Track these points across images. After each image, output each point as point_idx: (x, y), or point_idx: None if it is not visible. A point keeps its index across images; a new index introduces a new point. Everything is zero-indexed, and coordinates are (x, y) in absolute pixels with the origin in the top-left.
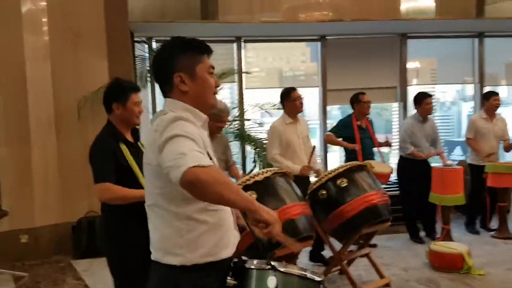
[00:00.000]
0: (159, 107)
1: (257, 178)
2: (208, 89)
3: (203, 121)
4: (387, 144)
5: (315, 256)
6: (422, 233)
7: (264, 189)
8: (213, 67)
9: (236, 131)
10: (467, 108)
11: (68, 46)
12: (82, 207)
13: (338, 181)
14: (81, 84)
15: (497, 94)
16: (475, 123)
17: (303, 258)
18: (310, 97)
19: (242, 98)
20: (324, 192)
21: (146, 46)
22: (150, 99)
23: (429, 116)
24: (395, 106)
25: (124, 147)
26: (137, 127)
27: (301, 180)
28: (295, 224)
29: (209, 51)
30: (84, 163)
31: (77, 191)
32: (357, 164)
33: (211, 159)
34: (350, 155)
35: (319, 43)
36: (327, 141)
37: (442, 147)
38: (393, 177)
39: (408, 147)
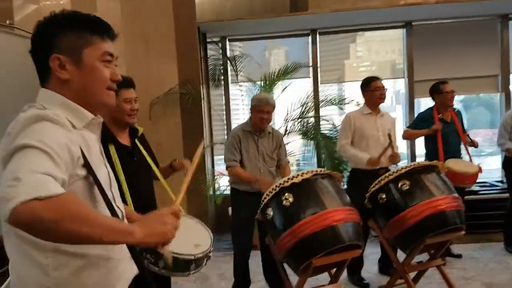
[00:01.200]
0: (233, 109)
1: (295, 180)
2: (99, 81)
3: (87, 122)
4: (473, 144)
5: (386, 267)
6: None
7: (302, 192)
8: (111, 55)
9: (303, 128)
10: None
11: (140, 50)
12: None
13: (400, 184)
14: (152, 87)
15: None
16: None
17: (371, 266)
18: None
19: (317, 93)
20: (383, 195)
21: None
22: (224, 101)
23: None
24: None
25: (112, 149)
26: (136, 126)
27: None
28: (337, 231)
29: (106, 33)
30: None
31: None
32: (423, 164)
33: (92, 173)
34: (431, 153)
35: (403, 30)
36: (405, 138)
37: None
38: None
39: (504, 143)
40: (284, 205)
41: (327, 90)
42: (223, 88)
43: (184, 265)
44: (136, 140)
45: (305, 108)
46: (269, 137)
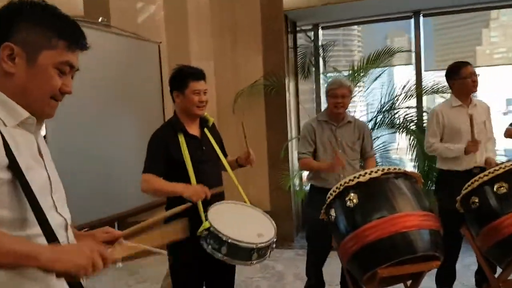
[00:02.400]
0: (323, 100)
1: (361, 179)
2: (45, 87)
3: (20, 121)
4: None
5: (483, 281)
6: None
7: (369, 192)
8: (72, 67)
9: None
10: None
11: (228, 42)
12: None
13: (496, 186)
14: (238, 79)
15: None
16: None
17: (469, 278)
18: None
19: (420, 81)
20: (476, 199)
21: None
22: (315, 91)
23: None
24: None
25: (182, 139)
26: (207, 117)
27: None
28: (407, 239)
29: (75, 43)
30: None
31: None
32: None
33: (19, 177)
34: None
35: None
36: (508, 137)
37: None
38: None
39: None
40: (348, 206)
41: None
42: (313, 79)
43: (245, 253)
44: (206, 130)
45: (398, 98)
46: (349, 126)
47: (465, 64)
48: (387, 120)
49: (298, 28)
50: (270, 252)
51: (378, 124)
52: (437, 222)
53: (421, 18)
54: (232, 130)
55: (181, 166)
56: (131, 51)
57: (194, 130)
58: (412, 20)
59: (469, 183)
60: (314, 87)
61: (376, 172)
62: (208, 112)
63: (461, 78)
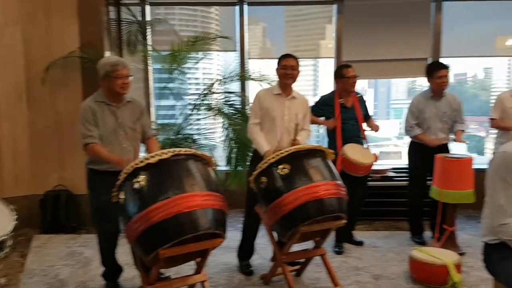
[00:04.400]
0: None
1: (150, 160)
2: None
3: None
4: (375, 127)
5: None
6: (429, 233)
7: (157, 173)
8: None
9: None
10: None
11: (39, 6)
12: (52, 179)
13: (280, 168)
14: (51, 49)
15: None
16: (503, 102)
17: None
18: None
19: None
20: (265, 179)
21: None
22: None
23: (447, 92)
24: None
25: None
26: None
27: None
28: (191, 218)
29: None
30: (56, 133)
31: (48, 162)
32: (307, 147)
33: None
34: (331, 138)
35: (334, 7)
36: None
37: (462, 126)
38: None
39: (412, 129)
40: (135, 188)
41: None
42: (141, 56)
43: None
44: None
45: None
46: (129, 106)
47: (286, 56)
48: (204, 104)
49: (122, 1)
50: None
51: (196, 107)
52: (221, 202)
53: (245, 7)
54: (46, 106)
55: None
56: None
57: None
58: (237, 8)
59: (260, 164)
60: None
61: (166, 153)
62: (15, 83)
63: (280, 69)
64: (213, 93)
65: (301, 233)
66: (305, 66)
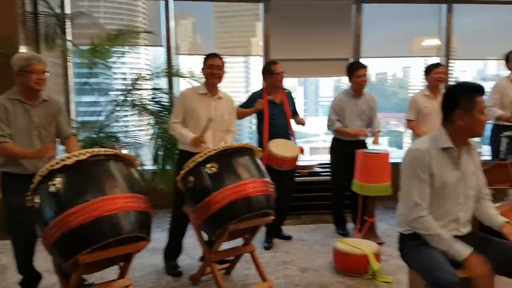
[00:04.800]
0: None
1: (67, 162)
2: None
3: None
4: (301, 122)
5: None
6: (352, 225)
7: (75, 175)
8: None
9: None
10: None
11: None
12: None
13: (208, 166)
14: None
15: (438, 65)
16: (417, 102)
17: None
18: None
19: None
20: (192, 178)
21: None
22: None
23: (366, 91)
24: None
25: None
26: None
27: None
28: (112, 222)
29: None
30: None
31: None
32: (235, 146)
33: None
34: (260, 134)
35: (261, 5)
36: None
37: (379, 126)
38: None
39: (333, 124)
40: (51, 191)
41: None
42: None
43: None
44: None
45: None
46: (45, 105)
47: (212, 56)
48: (129, 101)
49: None
50: None
51: (120, 103)
52: (144, 203)
53: (171, 1)
54: None
55: None
56: None
57: None
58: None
59: (187, 163)
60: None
61: (84, 154)
62: None
63: (204, 68)
64: (139, 89)
65: (230, 231)
66: (236, 63)
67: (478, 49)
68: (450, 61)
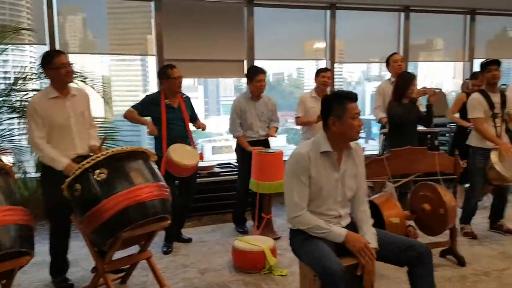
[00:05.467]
0: None
1: None
2: None
3: None
4: (202, 126)
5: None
6: (251, 222)
7: None
8: None
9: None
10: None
11: None
12: None
13: (96, 173)
14: None
15: (326, 70)
16: (304, 102)
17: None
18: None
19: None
20: (79, 186)
21: None
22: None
23: (264, 94)
24: None
25: None
26: None
27: None
28: None
29: None
30: None
31: None
32: (126, 150)
33: None
34: (158, 140)
35: (152, 4)
36: (126, 118)
37: (277, 123)
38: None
39: (235, 130)
40: None
41: None
42: None
43: None
44: None
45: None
46: None
47: (58, 53)
48: (6, 104)
49: None
50: None
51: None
52: (25, 216)
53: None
54: None
55: None
56: None
57: None
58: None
59: (74, 170)
60: None
61: None
62: None
63: (54, 68)
64: (21, 90)
65: (124, 239)
66: (133, 61)
67: (363, 53)
68: (337, 64)
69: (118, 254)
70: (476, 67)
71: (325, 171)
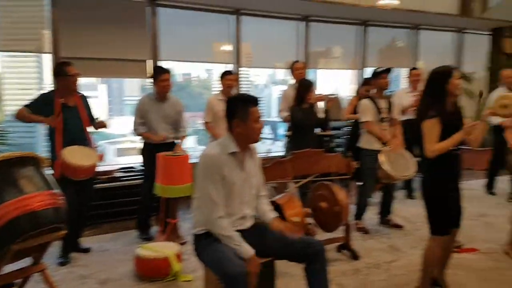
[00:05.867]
0: None
1: None
2: None
3: None
4: (102, 125)
5: None
6: (156, 228)
7: None
8: None
9: None
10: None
11: None
12: None
13: None
14: None
15: (230, 73)
16: (212, 105)
17: None
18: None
19: None
20: None
21: None
22: None
23: (172, 95)
24: None
25: None
26: None
27: None
28: None
29: None
30: None
31: None
32: (17, 155)
33: None
34: (52, 141)
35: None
36: (18, 118)
37: (185, 131)
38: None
39: (137, 129)
40: None
41: None
42: None
43: None
44: None
45: None
46: None
47: None
48: None
49: None
50: None
51: None
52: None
53: None
54: None
55: None
56: None
57: None
58: None
59: None
60: None
61: None
62: None
63: None
64: None
65: (15, 251)
66: (27, 57)
67: (268, 58)
68: (242, 68)
69: (8, 267)
70: (367, 75)
71: (235, 171)
